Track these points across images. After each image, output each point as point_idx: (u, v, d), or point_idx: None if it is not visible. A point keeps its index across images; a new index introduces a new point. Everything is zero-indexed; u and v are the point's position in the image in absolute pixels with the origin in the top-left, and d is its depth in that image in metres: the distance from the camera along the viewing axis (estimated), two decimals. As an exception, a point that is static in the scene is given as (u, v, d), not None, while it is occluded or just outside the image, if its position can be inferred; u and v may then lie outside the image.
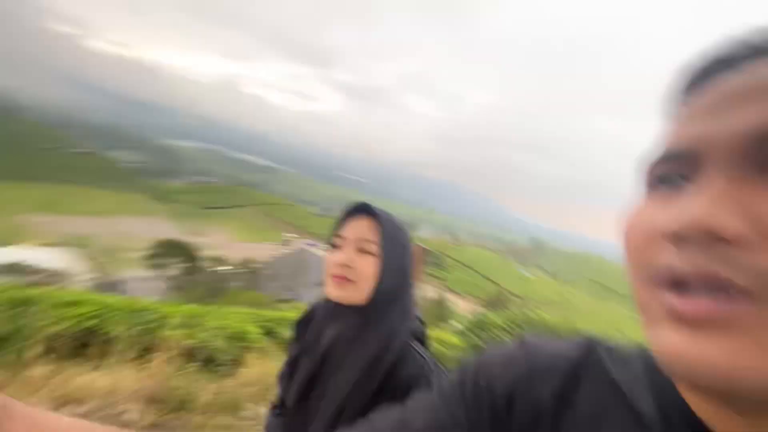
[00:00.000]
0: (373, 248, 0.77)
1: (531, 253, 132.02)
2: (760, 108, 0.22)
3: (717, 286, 0.21)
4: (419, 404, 0.38)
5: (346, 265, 0.76)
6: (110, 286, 25.60)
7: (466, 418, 0.34)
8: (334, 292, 0.76)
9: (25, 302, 2.89)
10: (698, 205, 0.22)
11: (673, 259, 0.23)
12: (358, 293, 0.76)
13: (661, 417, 0.28)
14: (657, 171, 0.27)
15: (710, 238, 0.22)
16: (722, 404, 0.24)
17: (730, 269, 0.21)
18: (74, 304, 3.14)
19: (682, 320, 0.22)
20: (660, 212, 0.25)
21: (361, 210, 0.81)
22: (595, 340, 0.36)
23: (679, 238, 0.23)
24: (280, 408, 0.87)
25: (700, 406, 0.26)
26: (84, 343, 2.92)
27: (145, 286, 27.30)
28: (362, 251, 0.77)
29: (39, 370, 2.43)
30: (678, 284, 0.23)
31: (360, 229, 0.79)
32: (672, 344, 0.23)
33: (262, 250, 57.30)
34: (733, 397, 0.22)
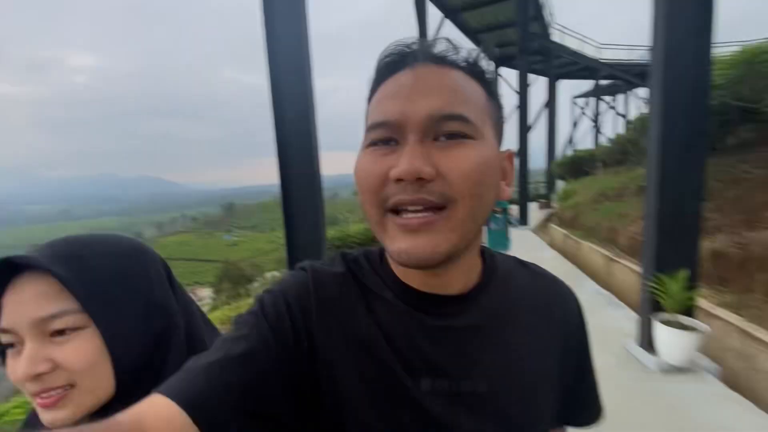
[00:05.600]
0: (72, 320, 0.45)
1: (226, 217, 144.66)
2: (431, 101, 0.38)
3: (424, 206, 0.37)
4: (235, 335, 0.41)
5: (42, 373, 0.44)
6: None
7: (274, 339, 0.40)
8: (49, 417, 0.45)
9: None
10: (407, 160, 0.36)
11: (398, 193, 0.38)
12: (86, 399, 0.46)
13: (386, 286, 0.46)
14: (375, 135, 0.40)
15: (416, 179, 0.37)
16: (419, 271, 0.43)
17: (429, 195, 0.37)
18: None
19: (407, 230, 0.38)
20: (383, 163, 0.39)
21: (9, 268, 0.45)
22: (340, 253, 0.51)
23: (400, 181, 0.37)
24: None
25: (405, 275, 0.46)
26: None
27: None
28: (53, 334, 0.45)
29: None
30: (398, 210, 0.38)
31: (29, 303, 0.45)
32: (403, 246, 0.38)
33: None
34: (428, 266, 0.39)
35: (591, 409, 0.58)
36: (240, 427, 0.37)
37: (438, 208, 0.38)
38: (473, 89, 0.42)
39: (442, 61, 0.41)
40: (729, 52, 5.17)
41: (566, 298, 0.55)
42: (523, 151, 11.58)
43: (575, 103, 26.60)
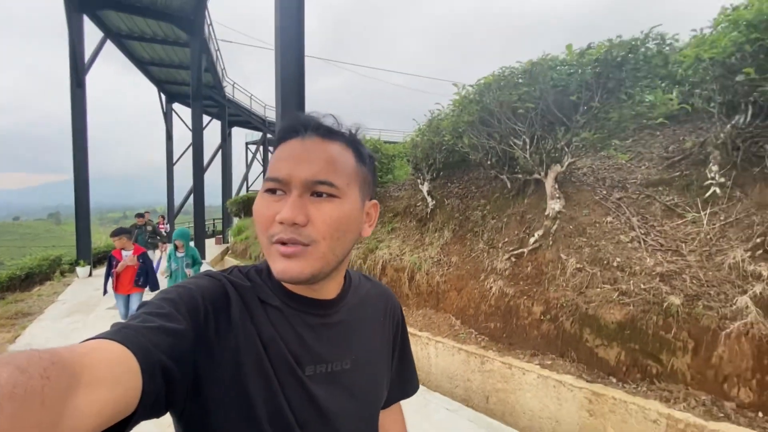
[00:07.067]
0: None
1: None
2: (311, 168, 0.53)
3: (296, 243, 0.52)
4: (163, 312, 0.48)
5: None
6: None
7: (192, 325, 0.49)
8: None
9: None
10: (288, 209, 0.51)
11: (280, 232, 0.52)
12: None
13: (275, 295, 0.58)
14: (270, 186, 0.54)
15: (293, 224, 0.51)
16: (300, 284, 0.56)
17: (299, 236, 0.52)
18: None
19: (284, 256, 0.52)
20: (273, 208, 0.53)
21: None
22: (237, 268, 0.63)
23: (282, 223, 0.51)
24: None
25: (290, 285, 0.58)
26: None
27: None
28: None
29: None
30: (281, 242, 0.52)
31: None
32: (280, 267, 0.52)
33: None
34: (298, 282, 0.54)
35: (413, 382, 0.81)
36: (160, 380, 0.42)
37: (306, 245, 0.52)
38: (345, 158, 0.56)
39: (326, 134, 0.56)
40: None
41: (392, 298, 0.76)
42: (197, 189, 12.23)
43: (249, 149, 29.98)
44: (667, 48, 3.06)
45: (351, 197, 0.56)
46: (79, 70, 9.88)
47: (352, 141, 0.59)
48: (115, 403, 0.36)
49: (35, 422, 0.28)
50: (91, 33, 10.90)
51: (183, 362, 0.46)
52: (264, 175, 0.57)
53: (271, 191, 0.54)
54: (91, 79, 10.63)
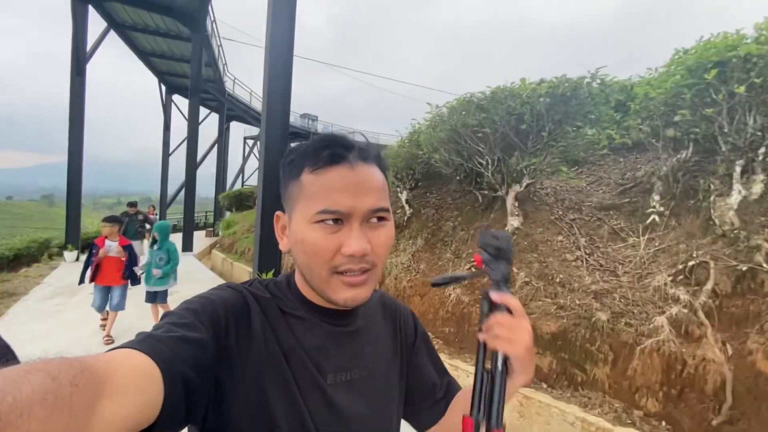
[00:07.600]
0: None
1: None
2: (370, 198, 0.54)
3: (363, 270, 0.55)
4: (185, 322, 0.49)
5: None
6: None
7: (213, 336, 0.50)
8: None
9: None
10: (357, 242, 0.53)
11: (348, 263, 0.54)
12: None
13: (297, 306, 0.61)
14: (326, 217, 0.54)
15: (361, 254, 0.53)
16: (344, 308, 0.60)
17: (366, 264, 0.55)
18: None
19: (351, 285, 0.55)
20: (333, 240, 0.54)
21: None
22: (257, 280, 0.65)
23: (351, 255, 0.53)
24: None
25: (311, 296, 0.61)
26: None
27: None
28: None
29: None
30: (343, 272, 0.55)
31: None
32: (348, 295, 0.55)
33: None
34: (360, 303, 0.58)
35: (448, 375, 0.77)
36: (181, 389, 0.43)
37: (369, 269, 0.56)
38: (384, 181, 0.59)
39: (368, 159, 0.58)
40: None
41: (401, 308, 0.79)
42: (189, 183, 12.43)
43: (246, 143, 30.19)
44: (608, 88, 3.37)
45: (391, 215, 0.60)
46: (80, 58, 10.10)
47: (380, 161, 0.61)
48: (138, 412, 0.37)
49: (63, 429, 0.29)
50: (94, 21, 11.13)
51: (204, 372, 0.47)
52: (287, 187, 0.59)
53: (325, 222, 0.54)
54: (92, 63, 10.83)
